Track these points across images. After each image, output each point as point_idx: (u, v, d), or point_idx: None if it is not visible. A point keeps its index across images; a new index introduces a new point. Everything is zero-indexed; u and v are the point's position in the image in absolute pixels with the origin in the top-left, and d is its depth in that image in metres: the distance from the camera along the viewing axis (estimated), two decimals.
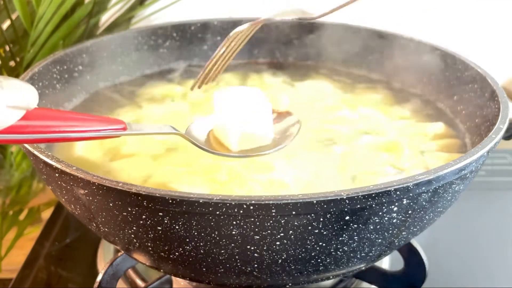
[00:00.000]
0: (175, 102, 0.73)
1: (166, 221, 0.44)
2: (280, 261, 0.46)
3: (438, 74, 0.72)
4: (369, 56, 0.80)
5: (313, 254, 0.46)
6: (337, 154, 0.60)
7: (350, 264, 0.50)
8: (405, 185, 0.44)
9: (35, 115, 0.42)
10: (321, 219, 0.44)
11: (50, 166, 0.47)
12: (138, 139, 0.63)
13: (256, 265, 0.47)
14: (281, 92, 0.75)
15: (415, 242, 0.63)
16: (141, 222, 0.45)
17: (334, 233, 0.45)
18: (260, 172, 0.56)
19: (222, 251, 0.45)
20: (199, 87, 0.59)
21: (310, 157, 0.59)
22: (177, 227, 0.44)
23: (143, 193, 0.43)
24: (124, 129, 0.46)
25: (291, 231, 0.44)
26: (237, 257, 0.46)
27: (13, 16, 0.82)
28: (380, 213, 0.45)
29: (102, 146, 0.62)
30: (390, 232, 0.48)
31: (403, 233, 0.50)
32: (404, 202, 0.45)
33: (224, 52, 0.57)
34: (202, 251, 0.46)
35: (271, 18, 0.58)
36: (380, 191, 0.43)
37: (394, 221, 0.47)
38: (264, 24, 0.85)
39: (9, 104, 0.39)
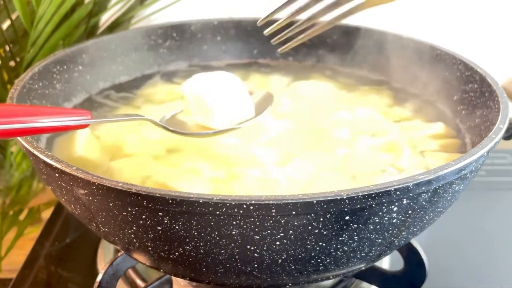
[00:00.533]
0: (174, 102, 0.73)
1: (166, 221, 0.44)
2: (280, 261, 0.46)
3: (438, 74, 0.72)
4: (369, 56, 0.80)
5: (313, 254, 0.46)
6: (337, 154, 0.60)
7: (350, 264, 0.50)
8: (405, 185, 0.44)
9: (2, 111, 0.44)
10: (321, 219, 0.44)
11: (50, 166, 0.46)
12: (139, 139, 0.63)
13: (256, 265, 0.47)
14: (280, 92, 0.76)
15: (415, 242, 0.63)
16: (141, 222, 0.45)
17: (334, 233, 0.45)
18: (260, 173, 0.56)
19: (222, 251, 0.45)
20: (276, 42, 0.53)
21: (310, 157, 0.59)
22: (177, 227, 0.44)
23: (143, 193, 0.43)
24: (90, 118, 0.49)
25: (291, 231, 0.44)
26: (237, 257, 0.46)
27: (13, 16, 0.82)
28: (380, 213, 0.45)
29: (102, 146, 0.62)
30: (390, 232, 0.48)
31: (403, 233, 0.50)
32: (404, 202, 0.45)
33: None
34: (202, 251, 0.46)
35: None
36: (380, 191, 0.43)
37: (394, 221, 0.47)
38: (264, 24, 0.85)
39: None
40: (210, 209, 0.42)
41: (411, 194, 0.45)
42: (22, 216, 0.85)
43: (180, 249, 0.46)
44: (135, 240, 0.48)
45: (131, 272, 0.65)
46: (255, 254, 0.45)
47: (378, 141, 0.63)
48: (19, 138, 0.50)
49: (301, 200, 0.42)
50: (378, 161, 0.59)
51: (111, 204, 0.45)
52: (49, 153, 0.47)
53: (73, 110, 0.49)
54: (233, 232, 0.44)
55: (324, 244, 0.46)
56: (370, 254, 0.50)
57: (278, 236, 0.44)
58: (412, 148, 0.62)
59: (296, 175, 0.56)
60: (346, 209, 0.43)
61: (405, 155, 0.60)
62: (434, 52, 0.73)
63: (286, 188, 0.54)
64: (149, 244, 0.48)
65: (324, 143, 0.62)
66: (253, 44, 0.85)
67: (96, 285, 0.58)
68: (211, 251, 0.46)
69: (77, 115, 0.49)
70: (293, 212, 0.42)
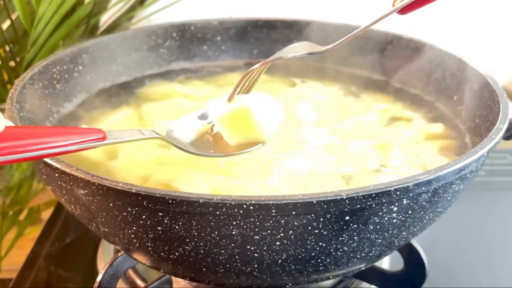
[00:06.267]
0: (175, 101, 0.73)
1: (166, 221, 0.44)
2: (280, 261, 0.46)
3: (438, 74, 0.72)
4: (369, 56, 0.80)
5: (313, 254, 0.46)
6: (334, 155, 0.60)
7: (350, 264, 0.50)
8: (405, 185, 0.44)
9: (10, 135, 0.40)
10: (321, 219, 0.44)
11: (50, 166, 0.46)
12: None
13: (256, 265, 0.47)
14: (278, 92, 0.75)
15: (415, 242, 0.63)
16: (141, 222, 0.45)
17: (334, 233, 0.45)
18: (257, 176, 0.56)
19: (222, 251, 0.46)
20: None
21: (304, 157, 0.59)
22: (177, 227, 0.44)
23: (143, 193, 0.43)
24: (104, 138, 0.45)
25: (291, 231, 0.44)
26: (237, 257, 0.46)
27: (13, 16, 0.82)
28: (380, 213, 0.45)
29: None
30: (390, 232, 0.48)
31: (403, 233, 0.50)
32: (404, 202, 0.45)
33: (239, 92, 0.57)
34: (202, 251, 0.46)
35: (283, 56, 0.57)
36: (380, 191, 0.43)
37: (394, 221, 0.47)
38: (264, 24, 0.86)
39: None
40: (210, 209, 0.42)
41: (411, 194, 0.45)
42: (22, 216, 0.85)
43: (180, 249, 0.46)
44: (135, 240, 0.48)
45: (131, 272, 0.65)
46: (255, 254, 0.45)
47: (376, 141, 0.63)
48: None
49: (301, 200, 0.42)
50: (375, 162, 0.59)
51: (111, 204, 0.45)
52: None
53: (86, 130, 0.45)
54: (233, 232, 0.44)
55: (324, 244, 0.46)
56: (370, 254, 0.50)
57: (278, 236, 0.44)
58: (411, 149, 0.62)
59: (290, 175, 0.56)
60: (346, 209, 0.43)
61: (403, 156, 0.60)
62: (434, 52, 0.73)
63: (280, 188, 0.54)
64: (149, 244, 0.48)
65: (320, 143, 0.62)
66: (253, 44, 0.85)
67: (96, 285, 0.58)
68: (211, 251, 0.46)
69: (91, 134, 0.45)
70: (293, 212, 0.42)
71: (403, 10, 0.54)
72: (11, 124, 0.41)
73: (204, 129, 0.56)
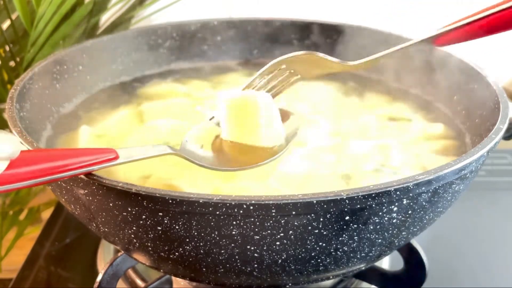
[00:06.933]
0: (175, 101, 0.73)
1: (166, 221, 0.44)
2: (280, 261, 0.46)
3: (437, 74, 0.72)
4: (369, 57, 0.80)
5: (313, 254, 0.46)
6: (333, 155, 0.60)
7: (350, 264, 0.50)
8: (405, 185, 0.44)
9: (26, 160, 0.40)
10: (321, 219, 0.44)
11: None
12: (139, 137, 0.63)
13: (256, 265, 0.47)
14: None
15: (415, 242, 0.63)
16: (141, 222, 0.45)
17: (334, 233, 0.45)
18: (257, 176, 0.56)
19: (222, 251, 0.46)
20: None
21: (304, 157, 0.59)
22: (177, 227, 0.44)
23: (143, 193, 0.43)
24: (116, 157, 0.45)
25: (291, 231, 0.44)
26: (237, 257, 0.46)
27: (13, 16, 0.82)
28: (380, 213, 0.45)
29: (103, 145, 0.62)
30: (390, 232, 0.48)
31: (403, 233, 0.50)
32: (404, 202, 0.45)
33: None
34: (202, 251, 0.46)
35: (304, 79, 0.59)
36: (380, 191, 0.43)
37: (394, 221, 0.47)
38: (264, 24, 0.86)
39: None
40: (210, 209, 0.42)
41: (411, 194, 0.45)
42: (22, 216, 0.85)
43: (180, 249, 0.46)
44: (135, 240, 0.48)
45: (131, 272, 0.65)
46: (255, 254, 0.45)
47: (376, 141, 0.63)
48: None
49: (301, 200, 0.42)
50: (375, 162, 0.59)
51: (111, 204, 0.45)
52: None
53: (98, 151, 0.45)
54: (233, 232, 0.44)
55: (324, 244, 0.46)
56: (370, 254, 0.50)
57: (278, 236, 0.44)
58: (410, 149, 0.62)
59: (290, 175, 0.56)
60: (346, 209, 0.43)
61: (403, 156, 0.60)
62: (434, 52, 0.73)
63: (280, 189, 0.54)
64: (149, 244, 0.48)
65: (320, 143, 0.62)
66: (253, 44, 0.85)
67: (96, 285, 0.58)
68: (211, 251, 0.46)
69: (103, 155, 0.44)
70: (293, 212, 0.42)
71: (438, 42, 0.56)
72: (24, 148, 0.41)
73: (217, 140, 0.56)
